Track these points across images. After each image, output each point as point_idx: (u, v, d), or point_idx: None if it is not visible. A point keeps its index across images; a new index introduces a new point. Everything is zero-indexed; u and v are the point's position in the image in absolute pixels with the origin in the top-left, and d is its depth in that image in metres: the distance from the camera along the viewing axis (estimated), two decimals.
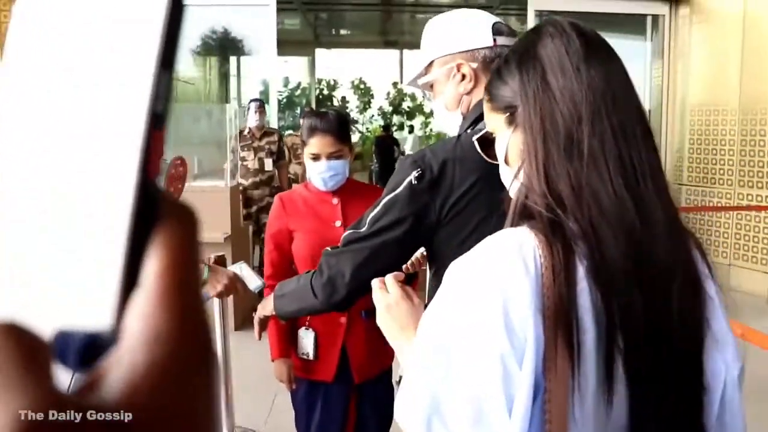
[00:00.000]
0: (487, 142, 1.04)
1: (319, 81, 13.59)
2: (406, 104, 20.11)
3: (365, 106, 19.17)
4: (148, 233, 0.27)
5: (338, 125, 2.24)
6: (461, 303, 0.83)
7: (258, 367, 4.66)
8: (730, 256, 7.14)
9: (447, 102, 1.49)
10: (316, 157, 2.24)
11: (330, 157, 2.22)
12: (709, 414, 0.89)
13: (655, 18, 8.04)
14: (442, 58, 1.49)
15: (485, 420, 0.78)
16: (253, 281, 1.95)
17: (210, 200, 5.26)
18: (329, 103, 12.92)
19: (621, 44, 8.77)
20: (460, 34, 1.48)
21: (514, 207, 0.89)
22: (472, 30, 1.47)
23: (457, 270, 0.87)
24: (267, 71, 8.16)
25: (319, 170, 2.24)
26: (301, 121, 7.02)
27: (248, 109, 6.25)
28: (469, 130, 1.41)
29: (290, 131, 7.87)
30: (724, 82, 7.16)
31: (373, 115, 20.59)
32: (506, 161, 0.96)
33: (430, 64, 1.52)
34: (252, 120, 6.22)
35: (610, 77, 0.89)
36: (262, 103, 6.40)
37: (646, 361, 0.82)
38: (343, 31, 12.48)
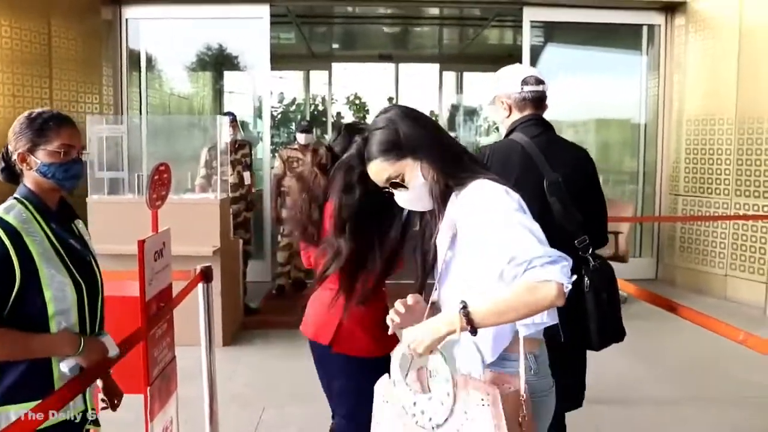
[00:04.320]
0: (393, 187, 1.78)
1: (314, 97, 13.48)
2: None
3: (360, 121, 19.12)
4: None
5: None
6: (510, 206, 1.60)
7: (247, 383, 4.59)
8: (726, 266, 7.14)
9: (498, 120, 2.73)
10: None
11: None
12: None
13: (651, 28, 8.05)
14: (496, 96, 2.67)
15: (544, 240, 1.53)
16: (113, 349, 2.04)
17: (200, 213, 5.21)
18: (324, 119, 12.87)
19: (616, 57, 8.83)
20: (504, 82, 2.65)
21: (441, 191, 1.71)
22: (509, 81, 2.63)
23: (487, 199, 1.63)
24: (261, 86, 8.17)
25: None
26: (298, 134, 7.00)
27: (220, 123, 6.25)
28: (509, 137, 2.60)
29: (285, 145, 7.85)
30: (721, 92, 7.16)
31: None
32: (408, 186, 1.75)
33: (494, 97, 2.70)
34: (226, 134, 6.21)
35: (433, 122, 1.84)
36: (234, 117, 6.43)
37: None
38: (337, 45, 12.50)
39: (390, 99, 19.05)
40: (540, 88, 2.61)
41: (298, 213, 2.40)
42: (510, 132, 2.60)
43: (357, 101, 17.65)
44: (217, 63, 9.59)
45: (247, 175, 6.51)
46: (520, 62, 7.32)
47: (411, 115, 1.76)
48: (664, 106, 7.93)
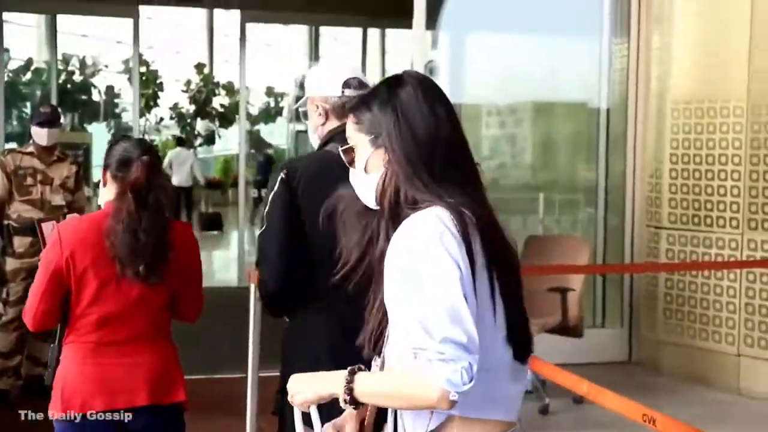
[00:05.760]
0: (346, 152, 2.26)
1: (66, 58, 12.81)
2: (219, 101, 19.22)
3: (149, 102, 18.74)
4: None
5: None
6: (426, 265, 1.91)
7: None
8: (738, 340, 7.13)
9: (310, 127, 3.63)
10: None
11: None
12: None
13: None
14: (309, 98, 3.61)
15: (458, 318, 1.84)
16: None
17: None
18: (84, 97, 12.15)
19: (561, 7, 8.87)
20: (321, 83, 3.59)
21: (389, 202, 2.02)
22: (328, 82, 3.55)
23: (412, 242, 1.94)
24: None
25: None
26: (34, 128, 6.64)
27: None
28: (323, 149, 3.46)
29: (12, 145, 7.11)
30: (727, 64, 7.22)
31: (162, 119, 19.59)
32: (365, 169, 2.12)
33: (306, 98, 3.67)
34: None
35: (449, 114, 2.17)
36: None
37: (511, 284, 2.06)
38: None
39: (200, 67, 18.42)
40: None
41: (133, 234, 2.95)
42: (325, 143, 3.35)
43: (146, 69, 16.96)
44: None
45: None
46: (411, 14, 7.53)
47: (408, 85, 2.10)
48: (638, 84, 8.08)
